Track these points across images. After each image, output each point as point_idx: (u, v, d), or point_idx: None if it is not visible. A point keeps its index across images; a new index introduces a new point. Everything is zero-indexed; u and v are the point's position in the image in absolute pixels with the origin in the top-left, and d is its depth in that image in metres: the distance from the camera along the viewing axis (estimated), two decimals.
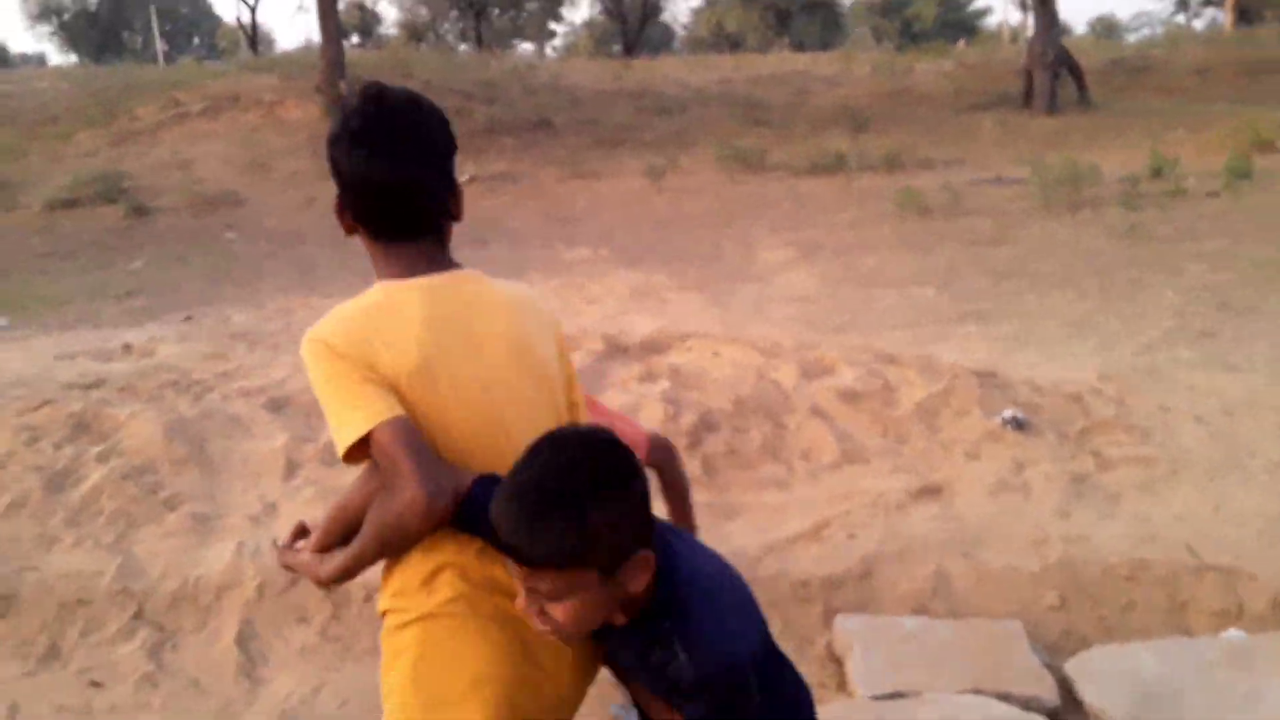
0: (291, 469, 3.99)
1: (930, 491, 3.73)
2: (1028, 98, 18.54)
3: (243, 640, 3.16)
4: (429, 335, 1.54)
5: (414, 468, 1.43)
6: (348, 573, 1.59)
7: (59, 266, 10.65)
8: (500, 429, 1.56)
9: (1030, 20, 24.87)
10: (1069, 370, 4.97)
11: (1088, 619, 3.15)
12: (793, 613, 3.15)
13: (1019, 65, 19.68)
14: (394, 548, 1.53)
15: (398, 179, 1.57)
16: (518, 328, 1.63)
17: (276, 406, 4.50)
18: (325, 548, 1.64)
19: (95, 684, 3.04)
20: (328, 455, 4.07)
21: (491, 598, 1.54)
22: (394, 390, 1.50)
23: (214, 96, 17.79)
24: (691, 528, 2.45)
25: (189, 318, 7.74)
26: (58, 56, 52.95)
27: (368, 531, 1.52)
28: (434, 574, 1.54)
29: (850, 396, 4.38)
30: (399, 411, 1.47)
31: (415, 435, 1.46)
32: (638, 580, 1.39)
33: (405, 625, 1.55)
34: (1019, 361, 5.26)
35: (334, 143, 1.60)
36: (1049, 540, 3.39)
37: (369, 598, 3.23)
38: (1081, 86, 18.79)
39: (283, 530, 3.50)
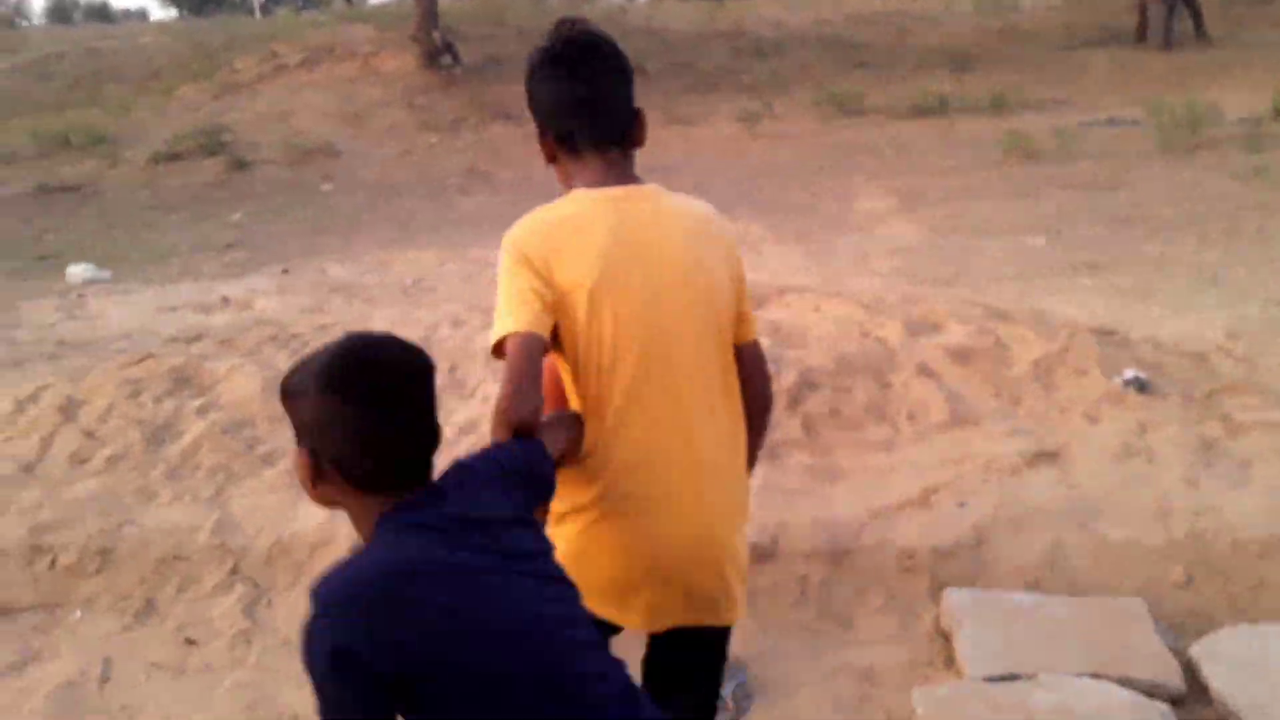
0: None
1: (1046, 456, 3.52)
2: (1141, 33, 17.54)
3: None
4: (612, 248, 1.67)
5: (511, 384, 1.57)
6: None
7: (162, 220, 10.94)
8: (662, 340, 1.69)
9: None
10: (1194, 326, 4.66)
11: (1216, 598, 2.93)
12: (897, 585, 3.02)
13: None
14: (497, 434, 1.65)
15: (592, 92, 1.74)
16: (690, 242, 1.75)
17: None
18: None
19: (190, 641, 3.08)
20: None
21: None
22: (565, 300, 1.64)
23: (311, 48, 17.99)
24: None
25: (286, 270, 7.86)
26: (158, 10, 54.35)
27: None
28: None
29: (960, 355, 4.17)
30: (534, 328, 1.60)
31: (533, 357, 1.59)
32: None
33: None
34: (1139, 317, 4.96)
35: (534, 72, 1.76)
36: (1174, 511, 3.17)
37: None
38: (1199, 21, 17.66)
39: None
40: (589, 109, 1.74)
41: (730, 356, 1.81)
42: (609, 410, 1.67)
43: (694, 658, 1.88)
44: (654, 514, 1.69)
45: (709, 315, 1.75)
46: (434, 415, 1.42)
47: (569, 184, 1.78)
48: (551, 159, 1.80)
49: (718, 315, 1.77)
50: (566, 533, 1.70)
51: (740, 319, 1.84)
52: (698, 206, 1.83)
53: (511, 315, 1.61)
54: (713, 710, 1.98)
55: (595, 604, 1.58)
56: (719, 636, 1.86)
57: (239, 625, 3.08)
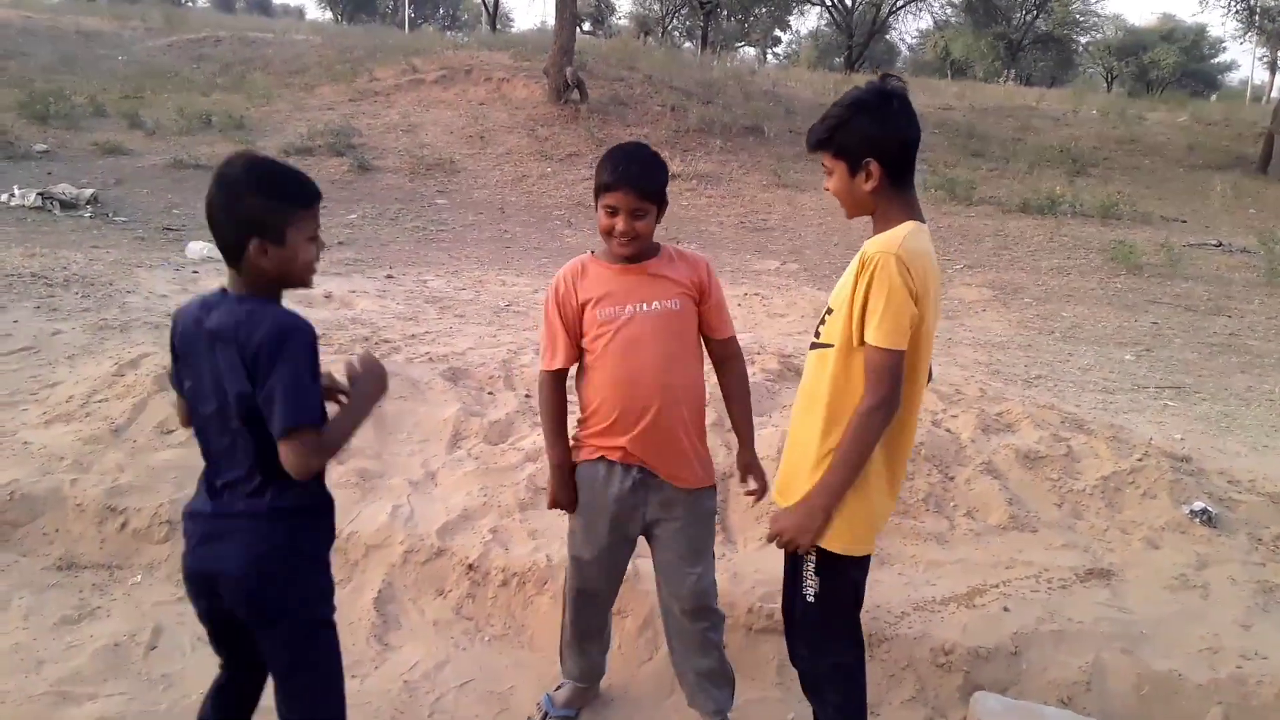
0: (456, 440, 4.12)
1: (1100, 574, 3.48)
2: (1266, 163, 17.20)
3: (380, 603, 3.26)
4: (936, 285, 2.18)
5: (891, 389, 2.09)
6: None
7: None
8: (929, 355, 2.25)
9: (1278, 82, 22.80)
10: (1273, 467, 4.55)
11: None
12: (930, 679, 3.01)
13: (1260, 128, 18.22)
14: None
15: (918, 134, 2.20)
16: None
17: (455, 376, 4.66)
18: None
19: None
20: (492, 432, 4.19)
21: None
22: (921, 314, 2.11)
23: (449, 67, 18.66)
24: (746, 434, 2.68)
25: (390, 275, 8.16)
26: (315, 10, 56.64)
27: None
28: None
29: (1029, 459, 4.15)
30: (904, 345, 2.08)
31: (901, 367, 2.10)
32: None
33: None
34: (1218, 448, 4.86)
35: (895, 106, 2.15)
36: (1223, 651, 3.10)
37: (505, 582, 3.30)
38: None
39: (434, 501, 3.62)
40: (914, 150, 2.20)
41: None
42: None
43: None
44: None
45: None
46: None
47: (887, 212, 2.17)
48: (870, 189, 2.16)
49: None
50: None
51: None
52: None
53: (901, 331, 2.06)
54: None
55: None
56: None
57: None
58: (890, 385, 2.08)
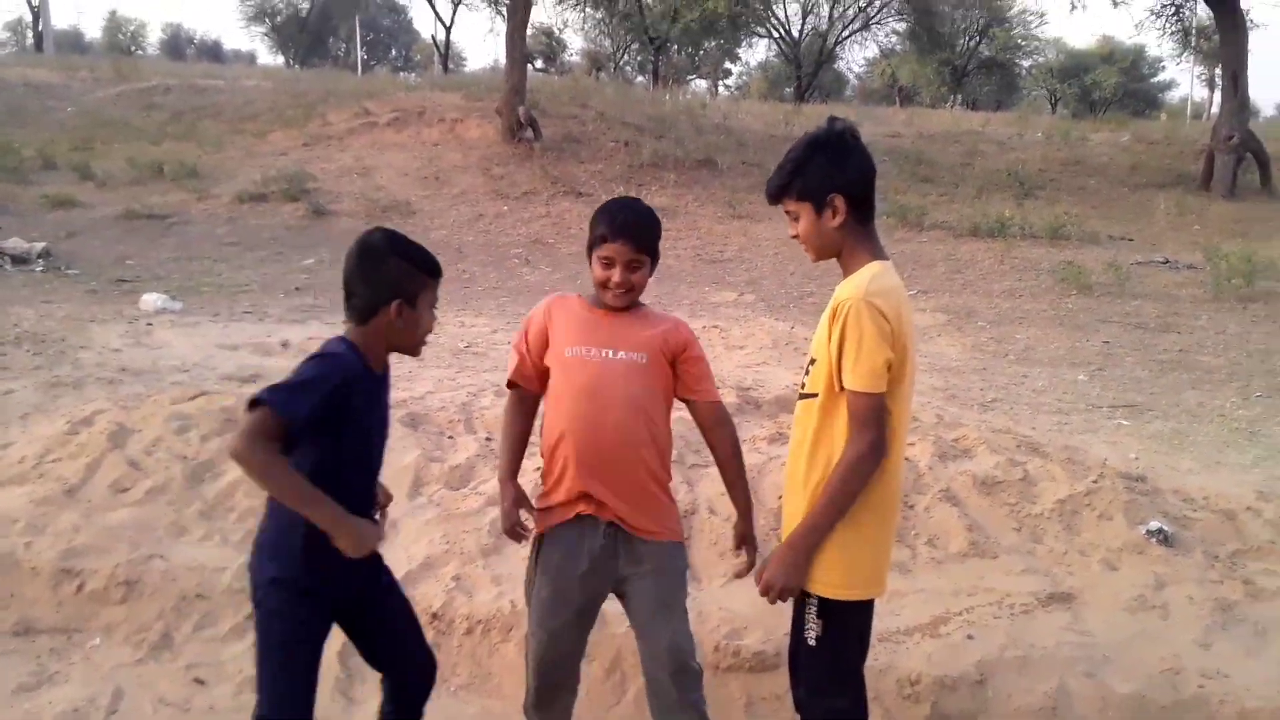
0: (417, 486, 4.10)
1: (1061, 599, 3.53)
2: (1207, 180, 17.63)
3: (345, 656, 3.18)
4: (909, 318, 2.20)
5: (876, 433, 2.12)
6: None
7: (239, 256, 11.36)
8: (912, 391, 2.29)
9: (1217, 99, 23.57)
10: (1225, 483, 4.63)
11: None
12: (897, 710, 3.03)
13: (1201, 145, 18.72)
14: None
15: (874, 169, 2.29)
16: None
17: (414, 422, 4.64)
18: None
19: (199, 681, 3.15)
20: (453, 477, 4.17)
21: None
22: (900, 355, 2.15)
23: (402, 109, 18.66)
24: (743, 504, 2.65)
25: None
26: (267, 56, 56.60)
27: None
28: None
29: (987, 485, 4.20)
30: (882, 388, 2.12)
31: (883, 410, 2.13)
32: None
33: None
34: (1171, 465, 4.95)
35: (852, 145, 2.24)
36: (1184, 672, 3.15)
37: (470, 630, 3.28)
38: (1265, 174, 17.74)
39: (396, 550, 3.59)
40: (872, 187, 2.28)
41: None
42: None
43: None
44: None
45: None
46: None
47: (852, 249, 2.23)
48: (836, 224, 2.21)
49: None
50: None
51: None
52: None
53: (878, 375, 2.10)
54: None
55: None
56: None
57: (247, 671, 3.11)
58: (875, 429, 2.12)
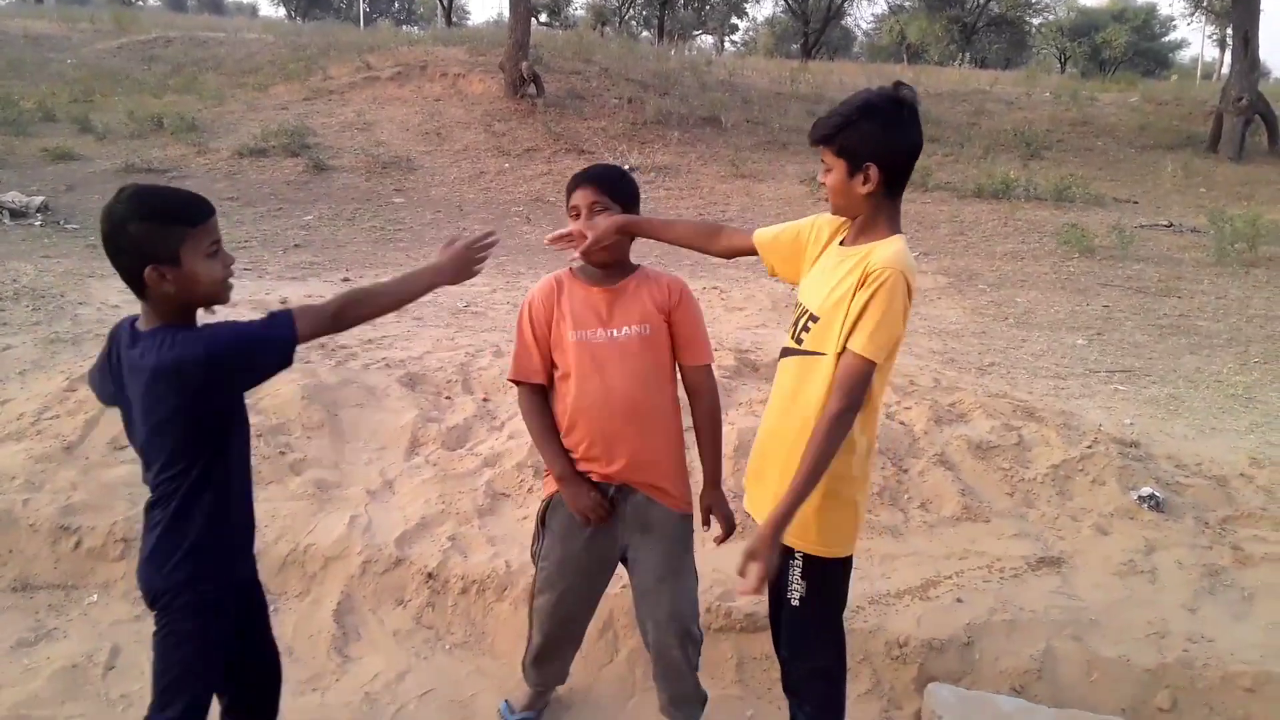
0: (414, 447, 4.12)
1: (1051, 563, 3.56)
2: (1215, 142, 17.50)
3: (340, 614, 3.25)
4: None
5: (858, 396, 2.12)
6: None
7: (238, 212, 11.30)
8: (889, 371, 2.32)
9: (1228, 59, 23.25)
10: (1219, 449, 4.65)
11: None
12: (885, 672, 3.07)
13: (1210, 106, 18.54)
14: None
15: (921, 144, 2.22)
16: None
17: (412, 382, 4.65)
18: None
19: None
20: (450, 438, 4.19)
21: None
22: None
23: (404, 63, 18.49)
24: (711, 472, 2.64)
25: (347, 279, 8.09)
26: (268, 8, 55.88)
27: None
28: None
29: (982, 449, 4.22)
30: (883, 359, 2.12)
31: (871, 376, 2.14)
32: None
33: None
34: (1166, 431, 4.96)
35: (902, 115, 2.15)
36: (1170, 635, 3.19)
37: (465, 590, 3.31)
38: (1274, 136, 17.58)
39: (392, 511, 3.62)
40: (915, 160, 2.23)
41: None
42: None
43: None
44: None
45: None
46: None
47: (879, 222, 2.20)
48: (870, 197, 2.18)
49: None
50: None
51: None
52: None
53: (886, 349, 2.11)
54: None
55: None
56: None
57: None
58: (860, 391, 2.12)
